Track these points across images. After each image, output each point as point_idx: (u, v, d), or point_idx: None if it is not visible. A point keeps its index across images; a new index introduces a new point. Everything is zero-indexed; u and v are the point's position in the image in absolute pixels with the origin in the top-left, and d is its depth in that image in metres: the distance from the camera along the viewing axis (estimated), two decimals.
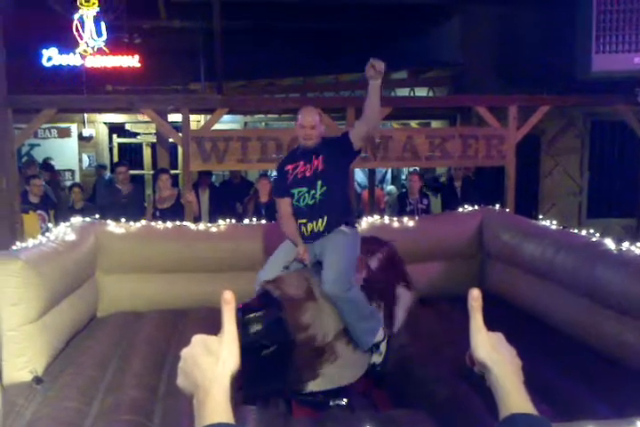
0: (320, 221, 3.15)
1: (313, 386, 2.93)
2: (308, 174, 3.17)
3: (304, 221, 3.20)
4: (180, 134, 5.58)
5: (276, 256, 3.31)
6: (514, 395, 0.85)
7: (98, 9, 8.22)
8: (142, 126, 9.90)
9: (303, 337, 2.93)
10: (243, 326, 2.83)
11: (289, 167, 3.29)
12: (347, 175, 3.48)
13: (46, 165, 8.55)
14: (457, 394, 2.76)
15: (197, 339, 0.80)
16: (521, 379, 0.88)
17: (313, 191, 3.15)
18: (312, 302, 3.01)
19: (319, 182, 3.14)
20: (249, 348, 2.69)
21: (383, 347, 3.14)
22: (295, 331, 2.92)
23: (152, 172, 9.29)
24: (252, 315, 2.89)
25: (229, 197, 6.88)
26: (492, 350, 0.88)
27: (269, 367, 2.79)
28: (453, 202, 6.22)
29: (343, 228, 3.14)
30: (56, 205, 6.59)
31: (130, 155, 10.40)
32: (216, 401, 0.75)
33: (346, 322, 3.00)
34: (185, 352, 0.80)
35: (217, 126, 5.92)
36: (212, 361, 0.77)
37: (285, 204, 3.29)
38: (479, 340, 0.89)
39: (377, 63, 2.90)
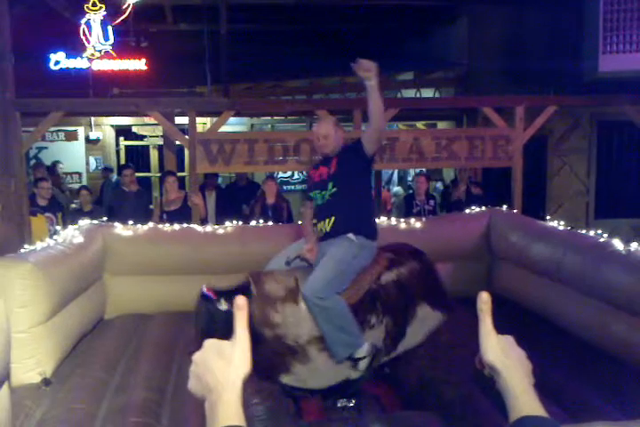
0: (327, 220, 3.18)
1: (285, 379, 2.95)
2: (324, 177, 3.28)
3: (315, 221, 3.31)
4: (187, 137, 5.60)
5: (285, 251, 3.35)
6: (523, 398, 0.85)
7: (105, 13, 8.27)
8: (149, 129, 9.94)
9: (270, 334, 2.92)
10: (200, 311, 2.87)
11: (312, 172, 3.45)
12: (361, 180, 3.29)
13: (48, 168, 8.59)
14: (467, 396, 2.75)
15: (209, 343, 0.81)
16: (531, 382, 0.88)
17: (324, 192, 3.23)
18: (291, 302, 2.99)
19: (330, 184, 3.21)
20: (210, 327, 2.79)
21: (363, 364, 2.99)
22: (261, 327, 2.91)
23: (159, 174, 9.33)
24: (218, 303, 2.89)
25: (236, 198, 6.89)
26: (501, 353, 0.88)
27: None
28: (458, 204, 6.20)
29: (351, 235, 3.09)
30: (64, 207, 6.62)
31: (136, 157, 10.43)
32: (228, 404, 0.76)
33: (320, 329, 2.97)
34: (197, 356, 0.81)
35: (223, 129, 5.93)
36: (224, 365, 0.78)
37: (306, 206, 3.53)
38: (489, 343, 0.89)
39: (363, 62, 2.86)
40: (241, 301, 0.80)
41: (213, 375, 0.78)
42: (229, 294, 2.94)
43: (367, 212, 3.30)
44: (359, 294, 3.08)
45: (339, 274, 3.00)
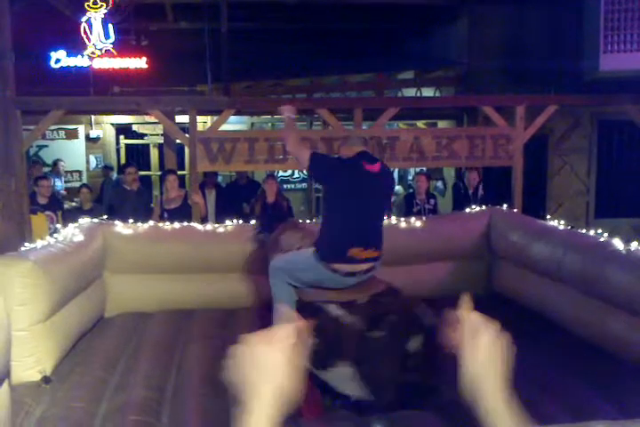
0: None
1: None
2: None
3: None
4: (187, 135, 5.60)
5: None
6: (494, 414, 0.82)
7: (105, 11, 8.27)
8: (149, 127, 9.93)
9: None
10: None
11: None
12: (323, 199, 3.47)
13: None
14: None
15: (274, 349, 0.81)
16: (506, 394, 0.84)
17: None
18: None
19: None
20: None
21: None
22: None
23: (159, 173, 9.33)
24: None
25: (236, 197, 6.89)
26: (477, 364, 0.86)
27: None
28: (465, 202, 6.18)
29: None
30: (63, 206, 6.61)
31: (137, 156, 10.42)
32: (262, 416, 0.79)
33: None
34: (251, 354, 0.81)
35: (224, 127, 5.93)
36: (272, 385, 0.80)
37: None
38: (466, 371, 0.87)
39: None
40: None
41: (261, 384, 0.80)
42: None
43: (322, 231, 3.30)
44: (307, 298, 3.20)
45: (289, 266, 3.30)
